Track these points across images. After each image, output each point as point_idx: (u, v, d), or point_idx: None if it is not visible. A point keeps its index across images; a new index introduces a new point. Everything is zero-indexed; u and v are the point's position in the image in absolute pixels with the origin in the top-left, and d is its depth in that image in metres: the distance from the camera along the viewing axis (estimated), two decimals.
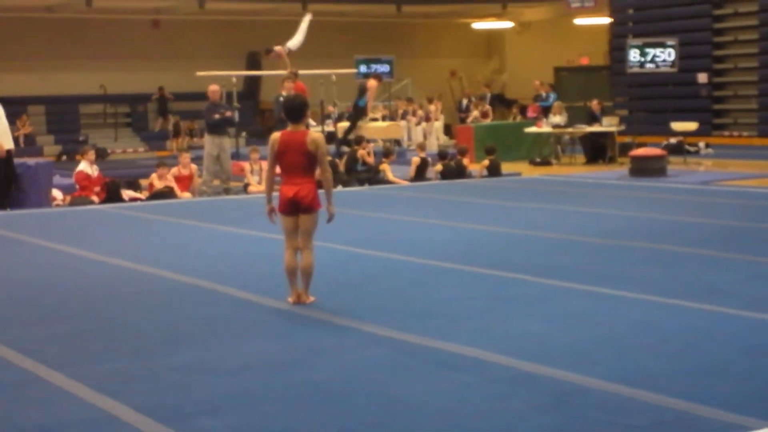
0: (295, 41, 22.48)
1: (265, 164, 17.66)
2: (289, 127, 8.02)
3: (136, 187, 17.67)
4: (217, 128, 17.74)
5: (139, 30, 30.35)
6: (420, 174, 18.91)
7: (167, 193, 16.84)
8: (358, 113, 22.36)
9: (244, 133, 25.44)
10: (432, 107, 27.74)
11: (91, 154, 17.04)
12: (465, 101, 29.29)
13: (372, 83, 22.89)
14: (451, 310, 7.84)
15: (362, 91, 22.50)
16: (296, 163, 7.89)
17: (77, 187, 16.69)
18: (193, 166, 17.75)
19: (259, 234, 12.24)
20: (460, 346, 6.67)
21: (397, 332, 7.07)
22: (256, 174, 18.03)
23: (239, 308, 8.13)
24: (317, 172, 8.06)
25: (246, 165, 18.32)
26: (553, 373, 6.03)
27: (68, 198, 16.54)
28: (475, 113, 28.42)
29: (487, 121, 27.30)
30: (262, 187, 17.69)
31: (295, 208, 7.93)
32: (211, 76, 22.26)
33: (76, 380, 6.13)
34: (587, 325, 7.23)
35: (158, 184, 17.05)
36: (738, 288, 8.43)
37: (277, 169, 8.08)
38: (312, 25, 31.32)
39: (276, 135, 8.02)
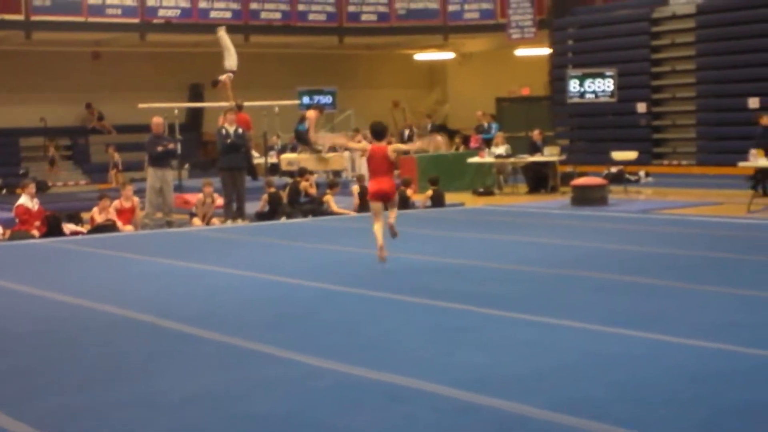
0: (230, 60, 22.51)
1: (217, 197, 17.68)
2: (374, 143, 11.82)
3: (77, 220, 17.49)
4: (160, 161, 17.66)
5: (79, 62, 30.16)
6: (365, 203, 18.95)
7: (109, 227, 16.70)
8: (301, 137, 22.43)
9: (187, 165, 25.33)
10: None
11: (32, 188, 16.88)
12: (407, 132, 29.37)
13: (311, 113, 22.97)
14: (396, 341, 7.84)
15: (302, 119, 22.62)
16: (380, 167, 11.64)
17: (17, 221, 16.50)
18: (136, 199, 17.62)
19: (202, 267, 12.20)
20: (405, 377, 6.67)
21: (342, 364, 7.06)
22: (208, 207, 17.87)
23: (182, 341, 8.07)
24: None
25: (198, 197, 18.13)
26: (498, 403, 6.05)
27: (8, 232, 16.34)
28: (419, 144, 28.47)
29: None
30: (204, 222, 17.68)
31: (382, 198, 11.64)
32: (153, 108, 22.17)
33: (17, 419, 6.03)
34: (532, 355, 7.27)
35: (99, 218, 16.90)
36: (679, 315, 8.51)
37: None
38: (254, 57, 31.43)
39: (368, 146, 12.00)
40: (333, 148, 22.36)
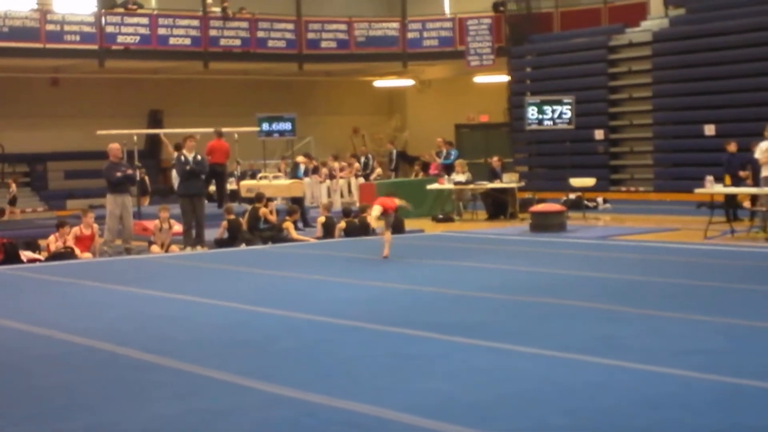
0: None
1: (173, 223, 17.59)
2: (384, 200, 15.47)
3: (34, 247, 17.33)
4: (120, 187, 17.54)
5: (38, 88, 30.00)
6: (328, 232, 18.93)
7: (67, 254, 16.58)
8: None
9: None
10: (336, 165, 27.79)
11: None
12: (363, 159, 29.37)
13: (301, 159, 23.40)
14: (354, 369, 7.82)
15: (297, 165, 23.27)
16: (390, 206, 15.37)
17: None
18: (95, 226, 17.50)
19: (160, 294, 12.13)
20: (363, 404, 6.66)
21: (300, 392, 7.03)
22: (165, 233, 17.79)
23: (139, 370, 8.01)
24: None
25: (155, 223, 18.04)
26: (458, 430, 6.05)
27: None
28: (379, 170, 28.57)
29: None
30: (163, 249, 17.58)
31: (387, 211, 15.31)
32: (111, 135, 22.07)
33: None
34: (490, 382, 7.28)
35: (55, 245, 16.75)
36: (635, 341, 8.56)
37: None
38: (213, 84, 31.44)
39: (381, 207, 15.30)
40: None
